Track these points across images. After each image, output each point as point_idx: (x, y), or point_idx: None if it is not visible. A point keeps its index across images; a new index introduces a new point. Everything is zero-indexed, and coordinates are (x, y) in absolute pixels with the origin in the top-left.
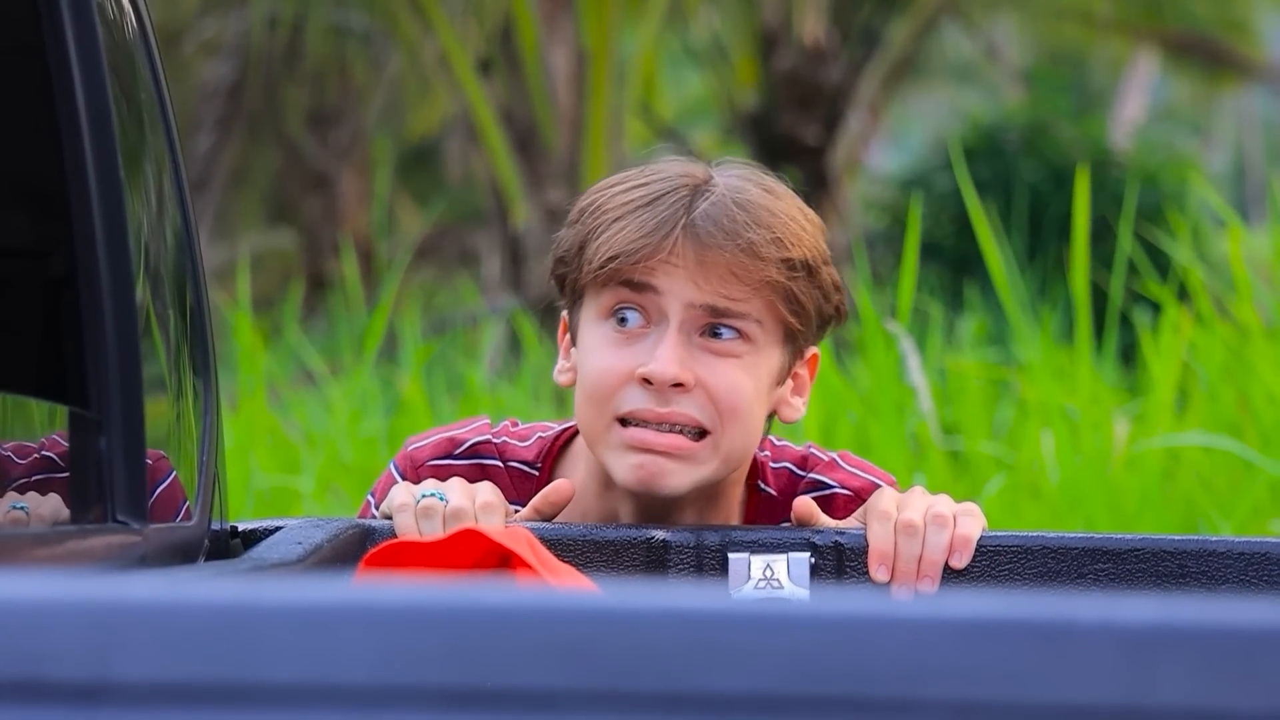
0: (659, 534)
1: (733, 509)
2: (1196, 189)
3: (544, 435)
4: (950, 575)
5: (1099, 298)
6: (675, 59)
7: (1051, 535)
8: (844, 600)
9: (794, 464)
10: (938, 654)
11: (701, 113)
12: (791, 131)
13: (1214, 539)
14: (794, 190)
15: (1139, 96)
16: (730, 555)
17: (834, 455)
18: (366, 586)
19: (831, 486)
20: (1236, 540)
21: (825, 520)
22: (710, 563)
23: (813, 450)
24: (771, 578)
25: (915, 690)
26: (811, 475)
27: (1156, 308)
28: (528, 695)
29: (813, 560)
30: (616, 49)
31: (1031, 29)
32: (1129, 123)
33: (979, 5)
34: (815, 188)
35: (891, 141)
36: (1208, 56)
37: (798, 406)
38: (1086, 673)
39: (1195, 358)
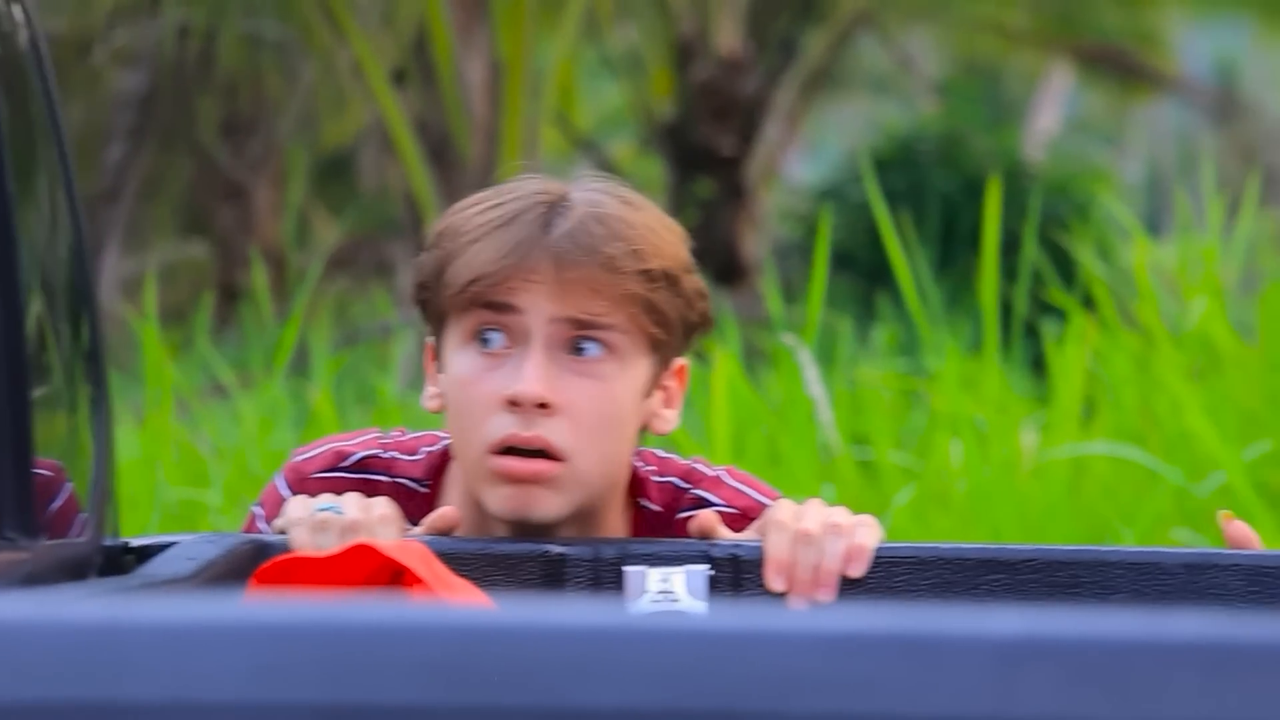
0: (555, 548)
1: (615, 526)
2: (1105, 200)
3: (431, 449)
4: (847, 587)
5: (1011, 308)
6: (591, 69)
7: (947, 546)
8: (717, 614)
9: (679, 478)
10: (808, 667)
11: (618, 123)
12: (708, 142)
13: (1106, 549)
14: (705, 201)
15: (1053, 108)
16: (626, 569)
17: (720, 471)
18: (237, 603)
19: (716, 504)
20: (1129, 551)
21: (726, 534)
22: (608, 576)
23: (697, 465)
24: (669, 591)
25: (785, 704)
26: (695, 491)
27: (1065, 317)
28: (400, 711)
29: (711, 573)
30: (532, 59)
31: (946, 40)
32: (1043, 134)
33: (894, 16)
34: (731, 198)
35: (809, 152)
36: (1121, 68)
37: (669, 418)
38: (954, 684)
39: (1101, 366)
